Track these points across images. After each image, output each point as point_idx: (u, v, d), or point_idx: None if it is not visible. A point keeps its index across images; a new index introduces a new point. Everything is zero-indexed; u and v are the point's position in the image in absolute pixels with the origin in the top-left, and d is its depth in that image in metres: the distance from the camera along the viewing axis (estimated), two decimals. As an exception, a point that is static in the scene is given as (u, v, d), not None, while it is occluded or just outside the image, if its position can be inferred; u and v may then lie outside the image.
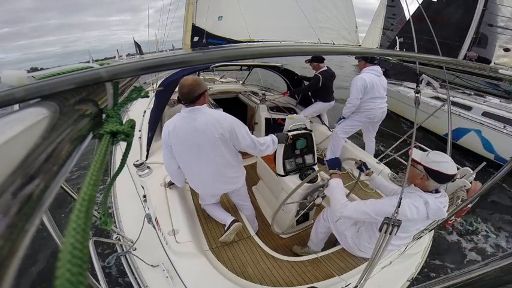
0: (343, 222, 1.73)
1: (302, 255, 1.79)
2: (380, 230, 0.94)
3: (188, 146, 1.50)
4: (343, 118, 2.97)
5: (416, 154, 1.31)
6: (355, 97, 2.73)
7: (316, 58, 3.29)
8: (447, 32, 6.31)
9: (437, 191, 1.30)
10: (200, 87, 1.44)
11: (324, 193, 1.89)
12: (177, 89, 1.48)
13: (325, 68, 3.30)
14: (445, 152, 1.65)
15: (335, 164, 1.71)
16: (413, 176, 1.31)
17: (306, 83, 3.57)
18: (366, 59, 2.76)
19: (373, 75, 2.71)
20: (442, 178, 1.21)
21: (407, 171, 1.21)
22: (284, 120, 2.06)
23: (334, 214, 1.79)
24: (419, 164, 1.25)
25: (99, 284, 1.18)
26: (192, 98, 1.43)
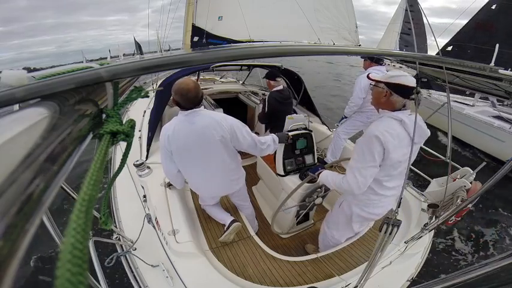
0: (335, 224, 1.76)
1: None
2: (380, 230, 0.94)
3: (188, 149, 1.48)
4: (345, 117, 2.97)
5: (376, 76, 1.34)
6: (358, 96, 2.72)
7: (268, 74, 2.66)
8: (504, 40, 5.74)
9: (404, 107, 1.26)
10: (200, 88, 1.43)
11: (323, 193, 1.90)
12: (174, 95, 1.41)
13: (279, 88, 2.61)
14: (448, 153, 1.66)
15: (317, 169, 1.72)
16: (378, 97, 1.30)
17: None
18: (372, 58, 2.72)
19: (377, 75, 2.69)
20: (405, 90, 1.20)
21: (407, 169, 1.21)
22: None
23: (331, 220, 1.82)
24: (381, 82, 1.27)
25: (99, 284, 1.18)
26: (198, 101, 1.42)
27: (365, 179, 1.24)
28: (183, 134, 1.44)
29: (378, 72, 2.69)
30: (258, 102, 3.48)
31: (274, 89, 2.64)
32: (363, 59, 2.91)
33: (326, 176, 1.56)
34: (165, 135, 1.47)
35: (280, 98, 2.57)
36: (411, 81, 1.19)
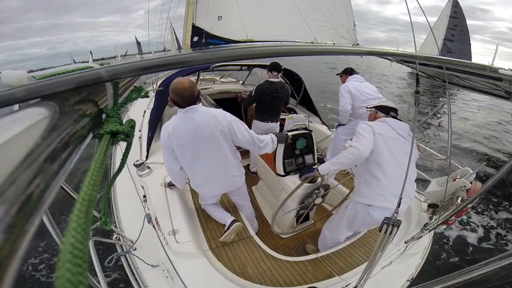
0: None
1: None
2: (380, 230, 0.94)
3: (189, 146, 1.50)
4: (342, 125, 2.99)
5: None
6: (345, 102, 2.77)
7: (269, 66, 2.69)
8: None
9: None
10: (196, 86, 1.46)
11: (323, 193, 1.90)
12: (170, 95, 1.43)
13: (272, 80, 2.60)
14: (447, 153, 1.66)
15: (310, 171, 1.83)
16: (371, 116, 1.81)
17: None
18: (346, 72, 2.91)
19: (355, 82, 2.81)
20: (385, 109, 1.72)
21: (408, 165, 1.22)
22: (284, 120, 2.06)
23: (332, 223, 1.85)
24: (372, 107, 1.79)
25: (99, 284, 1.18)
26: (195, 99, 1.44)
27: (365, 140, 1.49)
28: (183, 131, 1.46)
29: (358, 80, 2.83)
30: None
31: (269, 79, 2.66)
32: (338, 76, 3.04)
33: (324, 166, 1.64)
34: (165, 132, 1.50)
35: (267, 89, 2.59)
36: (390, 104, 1.75)
